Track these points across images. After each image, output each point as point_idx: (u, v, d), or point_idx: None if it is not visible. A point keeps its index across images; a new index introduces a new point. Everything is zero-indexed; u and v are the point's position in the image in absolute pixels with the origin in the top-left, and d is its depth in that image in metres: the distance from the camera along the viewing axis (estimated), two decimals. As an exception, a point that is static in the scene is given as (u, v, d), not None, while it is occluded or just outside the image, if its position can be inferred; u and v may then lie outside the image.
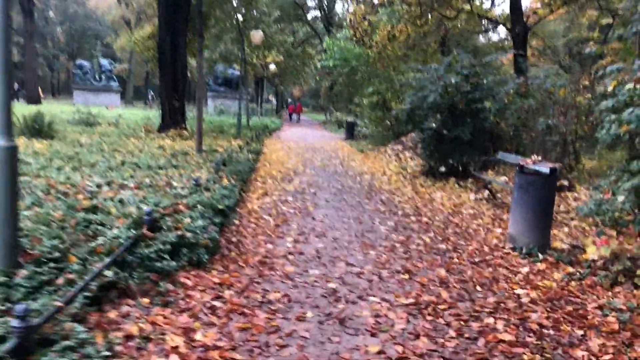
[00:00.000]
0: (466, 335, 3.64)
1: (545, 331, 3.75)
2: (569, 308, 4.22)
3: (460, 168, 11.72)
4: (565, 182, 9.80)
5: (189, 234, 4.80)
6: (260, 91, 58.02)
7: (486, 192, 9.75)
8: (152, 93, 49.51)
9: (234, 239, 5.75)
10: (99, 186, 6.72)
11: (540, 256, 5.66)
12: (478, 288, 4.64)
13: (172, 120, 17.87)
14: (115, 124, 19.91)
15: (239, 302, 3.98)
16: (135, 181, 7.21)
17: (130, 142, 14.00)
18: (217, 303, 3.91)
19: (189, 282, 4.22)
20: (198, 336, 3.34)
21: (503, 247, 6.10)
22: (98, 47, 55.41)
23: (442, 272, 5.06)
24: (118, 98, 46.08)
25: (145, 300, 3.77)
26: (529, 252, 5.78)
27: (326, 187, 9.99)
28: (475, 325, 3.80)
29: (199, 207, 5.83)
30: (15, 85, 40.14)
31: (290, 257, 5.30)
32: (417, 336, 3.58)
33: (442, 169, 11.51)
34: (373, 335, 3.58)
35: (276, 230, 6.34)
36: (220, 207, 6.17)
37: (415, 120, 12.18)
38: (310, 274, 4.80)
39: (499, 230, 6.93)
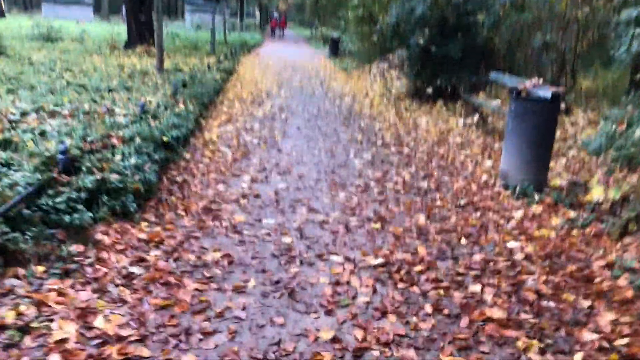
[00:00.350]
0: (445, 311, 2.89)
1: (544, 303, 3.01)
2: (572, 267, 3.48)
3: (449, 89, 10.76)
4: (562, 105, 8.93)
5: (114, 176, 3.93)
6: (241, 4, 55.09)
7: (476, 117, 8.88)
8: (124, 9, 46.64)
9: (178, 179, 4.88)
10: (24, 114, 5.72)
11: (536, 196, 4.88)
12: (463, 241, 3.88)
13: (138, 36, 16.43)
14: (79, 40, 18.37)
15: (165, 266, 3.19)
16: (72, 107, 6.20)
17: (89, 60, 12.72)
18: (136, 269, 3.11)
19: (107, 240, 3.40)
20: (98, 321, 2.56)
21: (494, 185, 5.31)
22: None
23: (422, 218, 4.28)
24: (90, 11, 43.31)
25: (41, 268, 2.96)
26: (523, 192, 5.00)
27: (300, 112, 9.03)
28: (457, 295, 3.06)
29: (138, 139, 4.92)
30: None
31: (243, 201, 4.47)
32: (384, 313, 2.83)
33: (429, 90, 10.53)
34: (328, 313, 2.83)
35: (233, 166, 5.47)
36: (165, 139, 5.25)
37: (402, 35, 11.04)
38: (262, 225, 3.99)
39: (489, 163, 6.12)
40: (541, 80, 5.43)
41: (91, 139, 4.66)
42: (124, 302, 2.77)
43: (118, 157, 4.37)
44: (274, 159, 5.86)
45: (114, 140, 4.78)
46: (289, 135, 7.16)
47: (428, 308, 2.91)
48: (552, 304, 3.01)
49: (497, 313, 2.86)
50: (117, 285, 2.91)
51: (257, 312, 2.79)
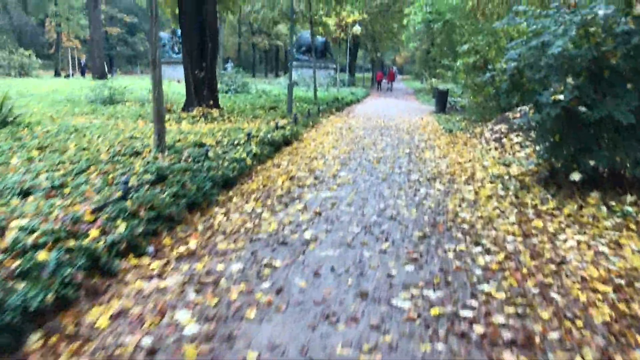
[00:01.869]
0: None
1: None
2: None
3: (611, 174, 6.53)
4: None
5: None
6: (352, 58, 53.19)
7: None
8: (231, 63, 46.37)
9: None
10: None
11: None
12: None
13: (197, 96, 13.91)
14: (142, 102, 16.40)
15: None
16: None
17: (122, 127, 10.23)
18: None
19: None
20: None
21: None
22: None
23: None
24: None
25: None
26: None
27: (346, 223, 5.32)
28: None
29: None
30: (82, 61, 38.67)
31: None
32: None
33: (576, 176, 6.36)
34: None
35: None
36: None
37: (525, 87, 7.07)
38: None
39: None
40: None
41: None
42: None
43: None
44: None
45: None
46: (288, 297, 3.47)
47: None
48: None
49: None
50: None
51: None
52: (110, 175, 5.52)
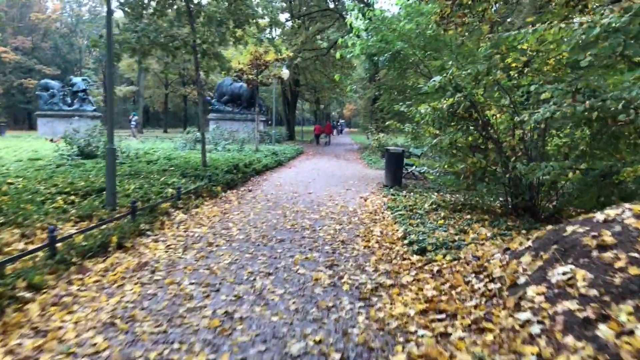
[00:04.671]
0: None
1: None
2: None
3: None
4: None
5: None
6: (290, 110, 46.55)
7: None
8: (136, 117, 38.58)
9: None
10: None
11: None
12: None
13: None
14: None
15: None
16: None
17: None
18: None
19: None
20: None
21: None
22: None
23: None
24: (95, 124, 35.46)
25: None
26: None
27: None
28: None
29: None
30: None
31: None
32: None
33: None
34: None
35: None
36: None
37: None
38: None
39: None
40: None
41: None
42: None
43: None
44: None
45: None
46: None
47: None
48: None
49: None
50: None
51: None
52: None
